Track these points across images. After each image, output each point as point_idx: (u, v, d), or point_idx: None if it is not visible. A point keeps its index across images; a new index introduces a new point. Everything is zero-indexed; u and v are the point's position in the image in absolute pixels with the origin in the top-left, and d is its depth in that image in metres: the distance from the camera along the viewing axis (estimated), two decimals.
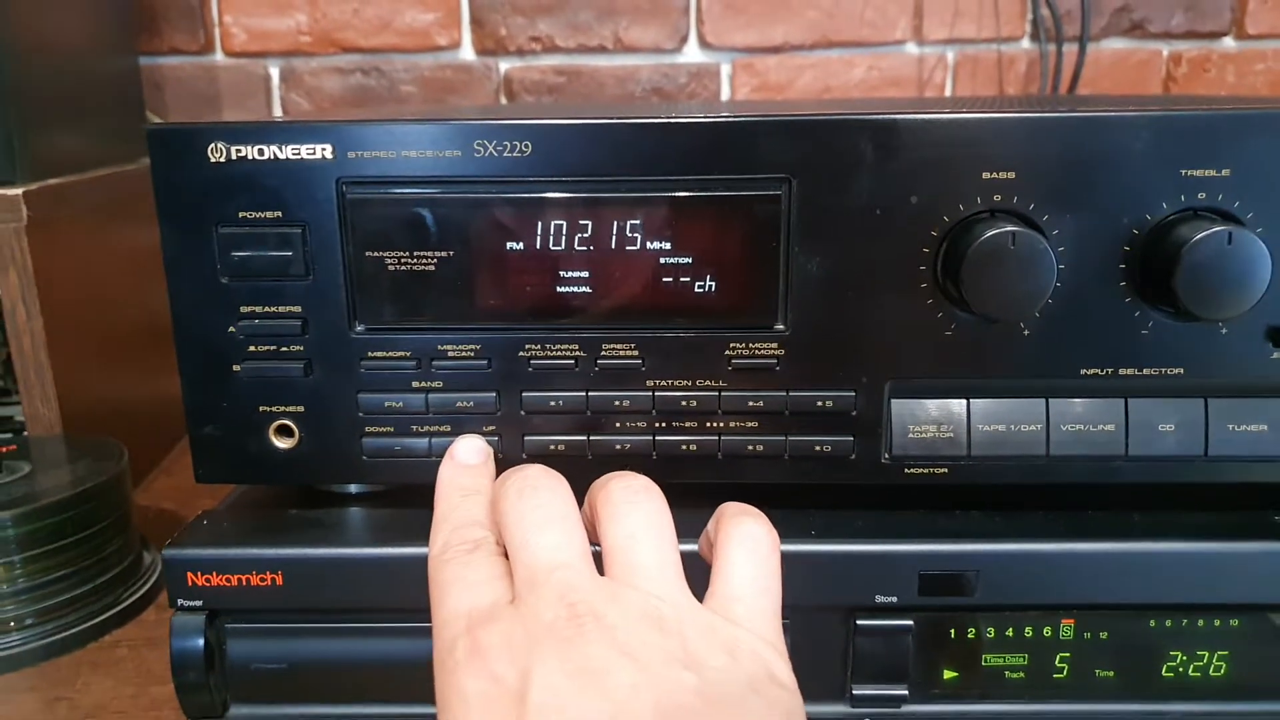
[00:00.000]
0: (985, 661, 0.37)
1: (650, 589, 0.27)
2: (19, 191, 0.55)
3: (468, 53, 0.86)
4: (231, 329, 0.36)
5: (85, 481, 0.49)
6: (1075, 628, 0.37)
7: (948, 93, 0.89)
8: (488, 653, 0.25)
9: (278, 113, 0.87)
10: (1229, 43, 0.90)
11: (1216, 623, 0.37)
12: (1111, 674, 0.37)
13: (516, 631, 0.25)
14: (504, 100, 0.88)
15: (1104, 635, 0.37)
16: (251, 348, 0.36)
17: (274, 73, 0.86)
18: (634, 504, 0.29)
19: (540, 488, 0.29)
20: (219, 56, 0.86)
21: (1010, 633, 0.37)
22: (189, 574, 0.35)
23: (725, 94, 0.89)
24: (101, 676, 0.44)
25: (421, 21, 0.85)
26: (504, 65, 0.87)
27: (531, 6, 0.86)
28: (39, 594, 0.47)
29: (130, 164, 0.74)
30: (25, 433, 0.58)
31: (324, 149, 0.34)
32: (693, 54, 0.87)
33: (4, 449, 0.52)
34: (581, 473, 0.36)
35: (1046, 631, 0.37)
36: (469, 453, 0.33)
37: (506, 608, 0.26)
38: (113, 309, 0.67)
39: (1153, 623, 0.37)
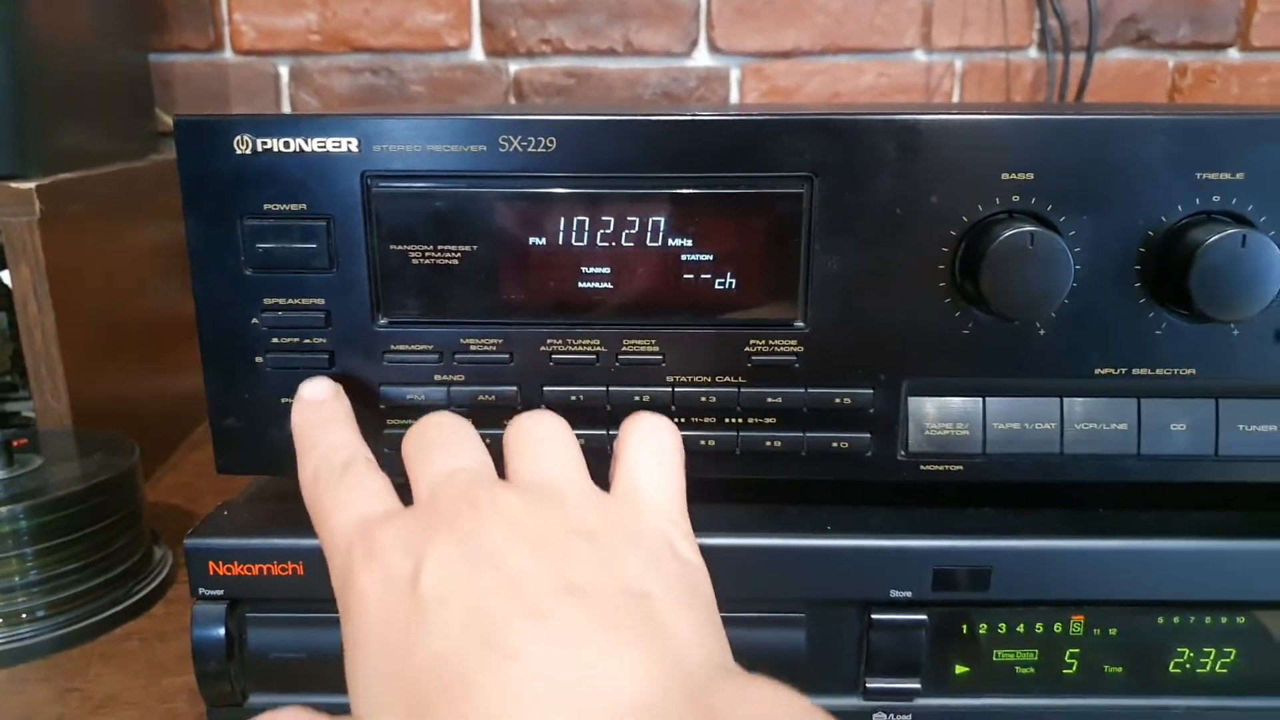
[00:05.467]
0: (996, 657, 0.38)
1: (553, 486, 0.26)
2: (32, 185, 0.55)
3: (478, 54, 0.87)
4: (255, 320, 0.36)
5: (97, 475, 0.49)
6: (1085, 624, 0.38)
7: (955, 99, 0.90)
8: (382, 551, 0.24)
9: (286, 111, 0.87)
10: (1234, 54, 0.91)
11: (1224, 620, 0.37)
12: (1120, 670, 0.38)
13: (411, 527, 0.24)
14: (513, 101, 0.88)
15: (1113, 632, 0.38)
16: (274, 339, 0.36)
17: (283, 71, 0.87)
18: (536, 419, 0.29)
19: (441, 416, 0.29)
20: (228, 54, 0.86)
21: (1021, 629, 0.37)
22: (210, 563, 0.35)
23: (734, 98, 0.89)
24: (113, 668, 0.44)
25: (432, 22, 0.86)
26: (514, 67, 0.87)
27: (542, 9, 0.86)
28: (51, 586, 0.47)
29: (139, 160, 0.75)
30: (34, 427, 0.58)
31: (349, 142, 0.34)
32: (702, 58, 0.88)
33: (17, 442, 0.52)
34: (601, 466, 0.37)
35: (1057, 628, 0.37)
36: (316, 391, 0.33)
37: (401, 511, 0.26)
38: (120, 305, 0.67)
39: (1161, 619, 0.37)
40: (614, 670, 0.21)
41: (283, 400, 0.36)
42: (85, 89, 0.68)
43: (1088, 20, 0.86)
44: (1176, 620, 0.37)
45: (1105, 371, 0.36)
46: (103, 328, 0.63)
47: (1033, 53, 0.89)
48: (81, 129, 0.67)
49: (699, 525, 0.36)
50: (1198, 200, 0.34)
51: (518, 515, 0.24)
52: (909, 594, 0.36)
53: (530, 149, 0.34)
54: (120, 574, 0.50)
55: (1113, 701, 0.38)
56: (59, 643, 0.46)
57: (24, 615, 0.46)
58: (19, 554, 0.46)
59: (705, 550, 0.35)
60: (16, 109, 0.57)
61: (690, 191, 0.35)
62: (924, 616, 0.36)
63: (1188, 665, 0.38)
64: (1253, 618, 0.37)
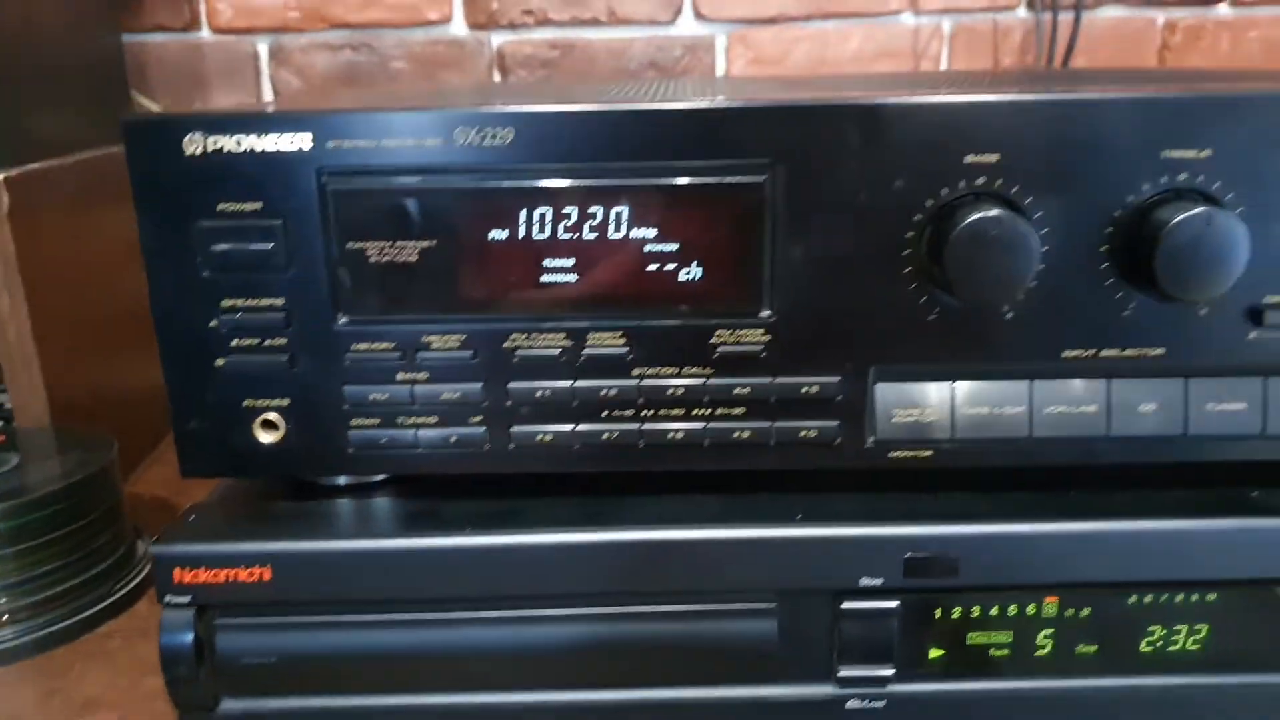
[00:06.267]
0: (970, 640, 0.38)
1: None
2: None
3: (459, 27, 0.85)
4: (213, 323, 0.35)
5: (75, 474, 0.49)
6: (1058, 605, 0.38)
7: (943, 63, 0.89)
8: None
9: (267, 92, 0.86)
10: (1224, 10, 0.89)
11: (1194, 598, 0.37)
12: (1093, 650, 0.38)
13: None
14: (497, 75, 0.87)
15: (1085, 612, 0.38)
16: (234, 341, 0.36)
17: (262, 50, 0.85)
18: None
19: None
20: (205, 34, 0.84)
21: (994, 612, 0.38)
22: (177, 570, 0.35)
23: (720, 66, 0.88)
24: (96, 668, 0.45)
25: None
26: (496, 40, 0.86)
27: None
28: (31, 587, 0.47)
29: (114, 146, 0.74)
30: (11, 424, 0.58)
31: (303, 139, 0.34)
32: (687, 25, 0.86)
33: None
34: (569, 464, 0.37)
35: (1030, 610, 0.37)
36: None
37: None
38: (100, 295, 0.66)
39: (1132, 599, 0.37)
40: None
41: (244, 403, 0.36)
42: (56, 73, 0.67)
43: None
44: (1148, 599, 0.37)
45: (1074, 354, 0.35)
46: (80, 320, 0.63)
47: (1021, 12, 0.88)
48: (53, 115, 0.66)
49: (669, 517, 0.36)
50: (1164, 179, 0.33)
51: None
52: (880, 581, 0.36)
53: (487, 141, 0.34)
54: (101, 572, 0.50)
55: (1086, 682, 0.38)
56: (41, 644, 0.46)
57: (5, 617, 0.46)
58: None
59: (676, 543, 0.36)
60: None
61: (651, 182, 0.34)
62: (895, 603, 0.36)
63: (1160, 644, 0.38)
64: (1224, 594, 0.37)
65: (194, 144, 0.34)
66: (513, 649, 0.36)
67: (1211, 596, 0.37)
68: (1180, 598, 0.37)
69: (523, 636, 0.36)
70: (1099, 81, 0.37)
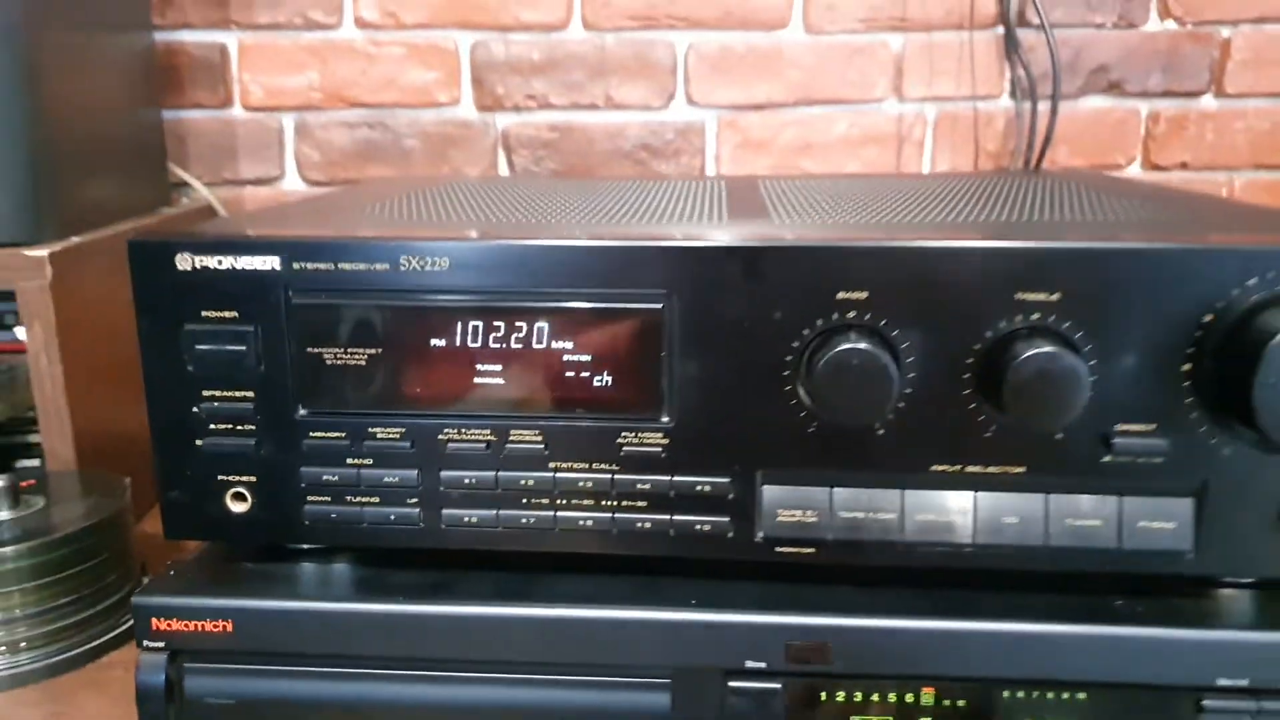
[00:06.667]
0: None
1: None
2: (44, 253, 0.62)
3: (468, 109, 0.93)
4: (195, 409, 0.41)
5: (91, 516, 0.55)
6: (935, 695, 0.41)
7: (927, 148, 0.93)
8: None
9: (291, 164, 0.94)
10: (1208, 101, 0.92)
11: (1065, 696, 0.40)
12: None
13: None
14: (502, 154, 0.94)
15: (962, 703, 0.41)
16: (212, 425, 0.42)
17: (288, 126, 0.93)
18: None
19: None
20: (238, 111, 0.93)
21: (875, 697, 0.41)
22: (153, 619, 0.41)
23: (711, 149, 0.93)
24: (98, 695, 0.50)
25: (424, 80, 0.92)
26: (501, 122, 0.93)
27: (527, 67, 0.91)
28: (47, 618, 0.53)
29: (150, 215, 0.81)
30: (43, 468, 0.65)
31: (273, 260, 0.40)
32: (680, 111, 0.92)
33: (24, 484, 0.59)
34: (494, 544, 0.42)
35: (908, 697, 0.41)
36: None
37: None
38: (128, 346, 0.73)
39: (1005, 693, 0.41)
40: None
41: (219, 477, 0.42)
42: (100, 150, 0.74)
43: (1052, 71, 0.88)
44: (1020, 694, 0.41)
45: (941, 467, 0.39)
46: (109, 371, 0.69)
47: (1004, 102, 0.92)
48: (95, 188, 0.73)
49: (580, 596, 0.41)
50: (1019, 318, 0.37)
51: None
52: (764, 665, 0.40)
53: (427, 268, 0.39)
54: (109, 606, 0.56)
55: None
56: (52, 670, 0.53)
57: (23, 644, 0.53)
58: (20, 589, 0.53)
59: (581, 621, 0.40)
60: (32, 177, 0.63)
61: (566, 305, 0.39)
62: (779, 685, 0.40)
63: None
64: (1094, 695, 0.40)
65: (184, 261, 0.40)
66: (437, 707, 0.41)
67: (1082, 696, 0.40)
68: (1052, 695, 0.40)
69: (446, 696, 0.41)
70: (959, 233, 0.42)
